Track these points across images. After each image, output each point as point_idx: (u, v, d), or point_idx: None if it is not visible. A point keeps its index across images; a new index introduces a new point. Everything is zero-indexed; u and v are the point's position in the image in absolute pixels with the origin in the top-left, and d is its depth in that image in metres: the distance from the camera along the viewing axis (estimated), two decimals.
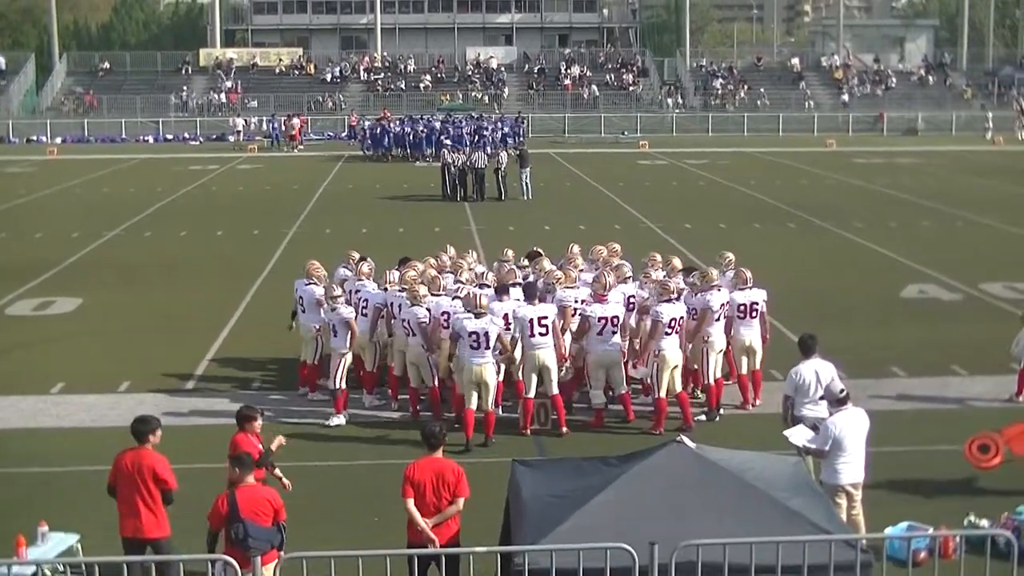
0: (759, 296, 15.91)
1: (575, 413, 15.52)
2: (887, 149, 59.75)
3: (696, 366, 15.57)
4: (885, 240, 30.01)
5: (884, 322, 21.00)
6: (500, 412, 15.31)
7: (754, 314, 15.79)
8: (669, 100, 74.51)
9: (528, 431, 14.80)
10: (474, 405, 14.46)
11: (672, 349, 14.79)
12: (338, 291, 15.75)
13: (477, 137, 47.55)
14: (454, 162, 39.76)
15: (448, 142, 43.50)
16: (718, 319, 15.44)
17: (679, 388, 14.98)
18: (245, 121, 67.59)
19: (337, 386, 15.35)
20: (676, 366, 14.88)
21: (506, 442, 14.45)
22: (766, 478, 8.69)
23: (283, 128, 61.68)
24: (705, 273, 15.98)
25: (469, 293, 15.03)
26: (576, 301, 15.47)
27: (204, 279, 25.53)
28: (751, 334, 15.80)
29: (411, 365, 15.37)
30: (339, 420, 15.33)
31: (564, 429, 14.79)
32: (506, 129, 54.45)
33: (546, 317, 14.67)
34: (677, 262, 16.92)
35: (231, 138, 65.77)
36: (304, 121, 63.22)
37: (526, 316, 14.64)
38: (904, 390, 16.57)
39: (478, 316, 14.40)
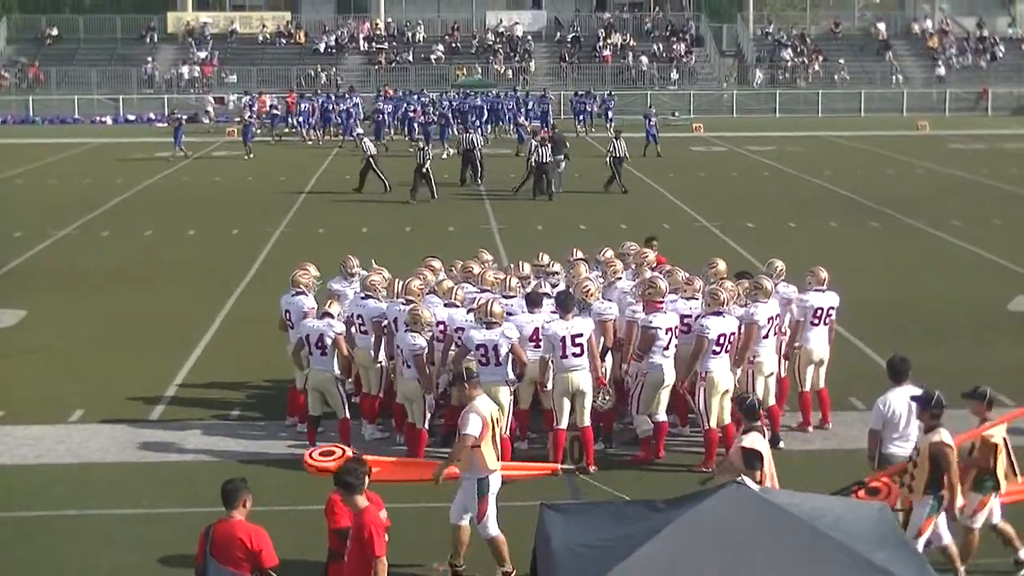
0: (834, 301, 16.27)
1: (616, 447, 15.56)
2: (992, 132, 59.53)
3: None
4: (989, 241, 29.91)
5: (987, 340, 20.93)
6: (525, 446, 15.36)
7: (827, 320, 16.16)
8: (744, 72, 74.38)
9: (559, 470, 14.80)
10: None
11: (721, 371, 14.86)
12: (335, 308, 15.79)
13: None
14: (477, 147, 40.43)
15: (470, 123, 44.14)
16: (765, 336, 15.48)
17: (728, 419, 15.00)
18: (216, 100, 67.21)
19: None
20: (727, 391, 14.93)
21: (533, 483, 14.45)
22: (844, 527, 8.68)
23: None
24: (759, 283, 15.92)
25: (480, 301, 15.15)
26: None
27: (173, 287, 25.62)
28: (823, 343, 16.16)
29: (405, 400, 15.33)
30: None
31: (592, 467, 14.81)
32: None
33: (581, 335, 14.70)
34: (721, 265, 16.79)
35: (205, 120, 65.78)
36: (293, 99, 62.78)
37: (557, 333, 14.67)
38: (1012, 423, 16.43)
39: (488, 326, 14.50)
